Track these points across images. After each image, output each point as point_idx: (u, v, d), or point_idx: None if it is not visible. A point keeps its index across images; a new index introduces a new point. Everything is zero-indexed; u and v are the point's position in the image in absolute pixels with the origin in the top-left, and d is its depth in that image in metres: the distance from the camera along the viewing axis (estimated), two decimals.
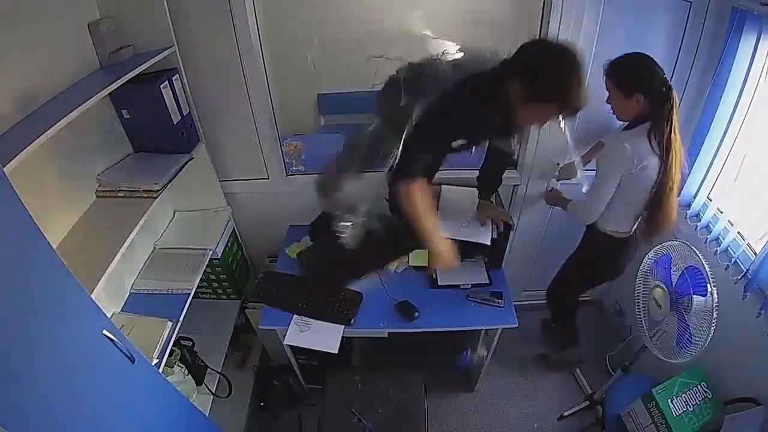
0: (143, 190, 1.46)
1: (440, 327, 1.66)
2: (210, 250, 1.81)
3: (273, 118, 1.81)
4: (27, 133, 1.00)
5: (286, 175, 1.99)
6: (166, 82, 1.50)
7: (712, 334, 1.36)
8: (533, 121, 1.34)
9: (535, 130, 1.82)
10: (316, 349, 1.60)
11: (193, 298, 1.60)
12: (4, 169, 0.80)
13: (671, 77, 1.49)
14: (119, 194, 1.46)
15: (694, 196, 1.81)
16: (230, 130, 1.82)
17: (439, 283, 1.76)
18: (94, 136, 1.46)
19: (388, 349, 1.65)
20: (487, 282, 1.77)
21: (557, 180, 1.96)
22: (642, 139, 1.47)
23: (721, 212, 1.69)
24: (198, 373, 1.76)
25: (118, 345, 1.03)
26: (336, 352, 1.57)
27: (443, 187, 1.86)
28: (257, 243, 2.23)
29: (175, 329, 1.47)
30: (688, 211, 1.82)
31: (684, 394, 1.58)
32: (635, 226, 1.70)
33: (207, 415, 1.69)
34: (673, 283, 1.51)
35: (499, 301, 1.70)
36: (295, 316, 1.66)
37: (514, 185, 2.04)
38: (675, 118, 1.44)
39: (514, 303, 1.72)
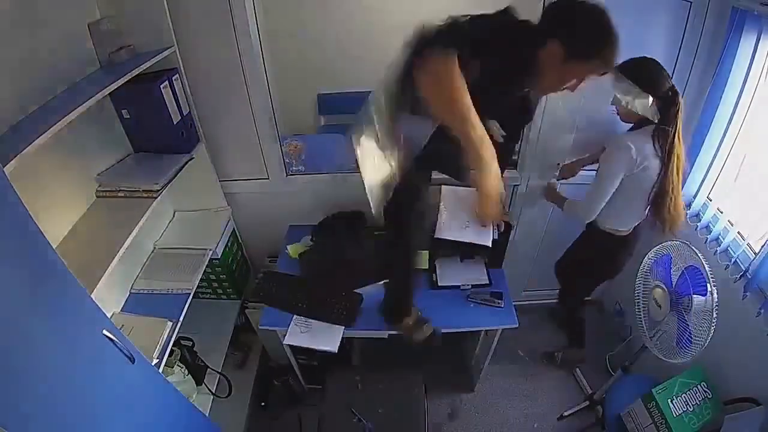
0: (143, 190, 1.46)
1: (440, 327, 1.65)
2: (210, 250, 1.81)
3: (273, 118, 1.81)
4: (27, 133, 1.00)
5: (286, 175, 1.99)
6: (166, 82, 1.50)
7: (712, 334, 1.36)
8: (568, 82, 1.14)
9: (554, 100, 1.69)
10: (316, 348, 1.60)
11: (193, 298, 1.60)
12: (4, 169, 0.81)
13: (671, 77, 1.50)
14: (119, 194, 1.46)
15: (694, 196, 1.81)
16: (230, 130, 1.82)
17: (439, 284, 1.77)
18: (94, 136, 1.46)
19: (388, 349, 1.65)
20: (488, 282, 1.77)
21: (557, 180, 1.96)
22: (646, 140, 1.48)
23: (721, 212, 1.69)
24: (198, 373, 1.76)
25: (118, 345, 1.03)
26: (336, 351, 1.57)
27: (443, 187, 1.86)
28: (257, 243, 2.23)
29: (175, 329, 1.47)
30: (688, 211, 1.82)
31: (684, 394, 1.58)
32: (635, 226, 1.70)
33: (207, 415, 1.68)
34: (673, 283, 1.52)
35: (499, 301, 1.70)
36: (295, 316, 1.66)
37: (514, 185, 2.04)
38: (679, 122, 1.46)
39: (514, 303, 1.72)
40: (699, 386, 1.59)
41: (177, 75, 1.56)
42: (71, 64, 1.30)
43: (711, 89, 1.67)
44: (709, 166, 1.71)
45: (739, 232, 1.60)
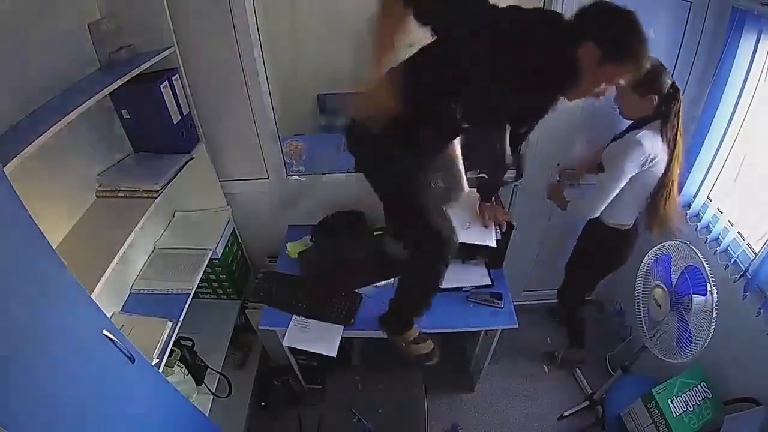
0: (143, 190, 1.46)
1: (440, 328, 1.66)
2: (210, 250, 1.81)
3: (273, 118, 1.81)
4: (27, 133, 1.00)
5: (286, 175, 1.99)
6: (166, 82, 1.50)
7: (711, 334, 1.36)
8: (600, 85, 1.13)
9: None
10: (315, 351, 1.59)
11: (193, 298, 1.61)
12: (4, 169, 0.81)
13: (671, 77, 1.50)
14: (119, 194, 1.47)
15: (694, 196, 1.80)
16: (230, 130, 1.82)
17: (441, 287, 1.75)
18: (94, 136, 1.47)
19: (388, 349, 1.65)
20: (490, 283, 1.77)
21: (557, 182, 1.96)
22: (656, 136, 1.50)
23: (721, 212, 1.69)
24: (198, 373, 1.76)
25: (118, 345, 1.03)
26: (334, 356, 1.57)
27: None
28: (257, 243, 2.23)
29: (175, 329, 1.47)
30: (688, 211, 1.82)
31: (684, 394, 1.58)
32: (636, 220, 1.71)
33: (207, 415, 1.68)
34: (673, 283, 1.52)
35: (499, 302, 1.70)
36: (294, 316, 1.66)
37: (515, 185, 2.04)
38: (680, 118, 1.50)
39: (514, 303, 1.72)
40: (699, 386, 1.59)
41: (177, 75, 1.56)
42: (71, 64, 1.30)
43: (711, 89, 1.66)
44: (709, 166, 1.70)
45: (739, 232, 1.60)
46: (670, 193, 1.58)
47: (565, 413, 2.13)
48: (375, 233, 1.85)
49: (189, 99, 1.64)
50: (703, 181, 1.75)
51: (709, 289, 1.38)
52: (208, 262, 1.80)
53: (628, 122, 1.62)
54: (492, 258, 1.82)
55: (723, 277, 1.55)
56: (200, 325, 1.88)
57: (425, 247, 1.34)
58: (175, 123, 1.57)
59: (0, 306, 0.75)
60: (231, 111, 1.76)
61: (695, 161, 1.73)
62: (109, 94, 1.30)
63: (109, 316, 1.18)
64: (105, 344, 1.01)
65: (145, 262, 1.74)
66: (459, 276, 1.75)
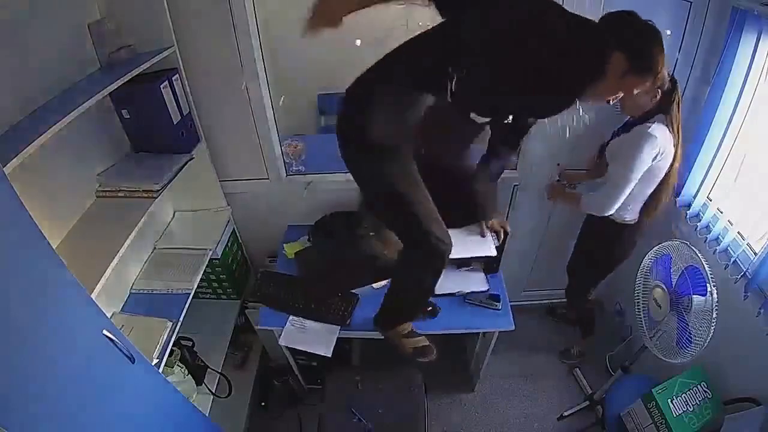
0: (143, 190, 1.46)
1: (437, 330, 1.65)
2: (210, 250, 1.81)
3: (273, 118, 1.81)
4: (27, 133, 1.00)
5: (286, 175, 1.99)
6: (166, 82, 1.50)
7: (711, 334, 1.36)
8: (617, 93, 1.14)
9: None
10: (311, 351, 1.60)
11: (193, 298, 1.61)
12: (4, 169, 0.81)
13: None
14: (119, 194, 1.47)
15: (694, 196, 1.80)
16: (230, 130, 1.82)
17: (437, 292, 1.74)
18: (94, 136, 1.47)
19: (388, 349, 1.65)
20: (487, 289, 1.76)
21: (557, 182, 1.96)
22: (664, 129, 1.50)
23: (721, 212, 1.69)
24: (198, 373, 1.76)
25: (118, 345, 1.03)
26: (330, 355, 1.57)
27: None
28: (257, 243, 2.23)
29: (175, 329, 1.47)
30: (688, 211, 1.82)
31: (684, 394, 1.57)
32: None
33: (207, 415, 1.68)
34: (673, 283, 1.52)
35: (497, 304, 1.70)
36: (291, 316, 1.66)
37: (514, 185, 2.04)
38: (680, 107, 1.52)
39: (514, 304, 1.72)
40: (699, 386, 1.59)
41: (177, 75, 1.56)
42: (71, 64, 1.30)
43: (711, 89, 1.66)
44: (709, 166, 1.70)
45: (739, 232, 1.60)
46: (668, 186, 1.60)
47: (565, 413, 2.13)
48: (371, 233, 1.84)
49: (189, 99, 1.64)
50: (703, 181, 1.75)
51: (709, 289, 1.38)
52: (208, 262, 1.80)
53: (625, 118, 1.62)
54: (488, 264, 1.81)
55: (723, 277, 1.55)
56: (200, 325, 1.89)
57: (419, 247, 1.34)
58: (175, 123, 1.57)
59: (0, 306, 0.75)
60: (231, 111, 1.76)
61: (695, 161, 1.73)
62: (109, 94, 1.30)
63: (109, 316, 1.18)
64: (105, 344, 1.01)
65: (145, 262, 1.74)
66: (456, 282, 1.75)
